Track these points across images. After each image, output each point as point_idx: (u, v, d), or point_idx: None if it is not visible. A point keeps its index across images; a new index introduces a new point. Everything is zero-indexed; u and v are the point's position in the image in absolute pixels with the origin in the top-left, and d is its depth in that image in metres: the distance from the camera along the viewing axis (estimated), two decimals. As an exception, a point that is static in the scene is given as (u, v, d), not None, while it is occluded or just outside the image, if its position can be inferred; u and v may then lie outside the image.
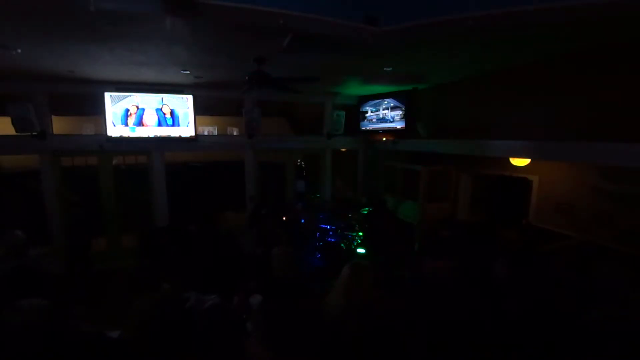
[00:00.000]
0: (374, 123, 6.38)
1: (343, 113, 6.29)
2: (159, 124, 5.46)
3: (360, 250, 5.57)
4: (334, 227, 5.79)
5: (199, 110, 5.73)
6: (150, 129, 5.44)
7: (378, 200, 6.05)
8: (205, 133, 6.24)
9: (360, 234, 5.81)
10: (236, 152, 6.46)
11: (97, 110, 5.19)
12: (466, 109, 5.02)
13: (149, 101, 5.36)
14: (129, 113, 5.27)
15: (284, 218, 5.60)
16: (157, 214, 5.91)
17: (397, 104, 5.89)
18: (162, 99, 5.41)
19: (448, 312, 1.93)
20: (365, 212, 6.02)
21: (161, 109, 5.43)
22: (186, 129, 5.64)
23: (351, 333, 1.72)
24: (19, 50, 3.28)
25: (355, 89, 6.00)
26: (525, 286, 2.11)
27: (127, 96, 5.23)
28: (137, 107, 5.30)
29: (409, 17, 2.70)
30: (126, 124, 5.28)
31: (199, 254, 4.22)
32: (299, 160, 7.73)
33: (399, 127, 5.91)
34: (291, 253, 2.72)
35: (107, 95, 5.10)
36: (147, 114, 5.37)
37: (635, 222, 3.32)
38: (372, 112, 6.38)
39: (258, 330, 1.44)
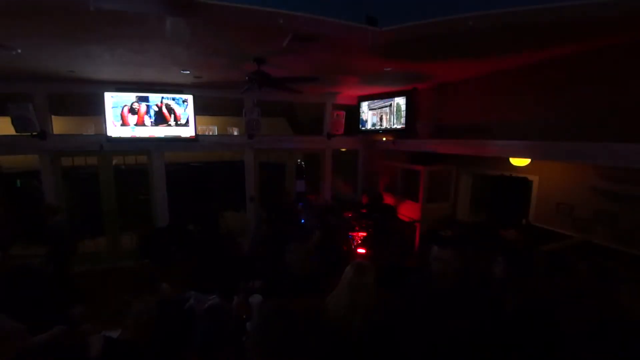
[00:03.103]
0: (373, 123, 6.38)
1: (343, 113, 6.29)
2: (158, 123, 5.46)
3: (361, 250, 5.56)
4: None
5: (199, 110, 5.74)
6: (151, 129, 5.44)
7: (379, 199, 5.95)
8: (206, 132, 6.23)
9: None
10: (236, 152, 6.47)
11: (97, 110, 5.19)
12: (466, 109, 5.02)
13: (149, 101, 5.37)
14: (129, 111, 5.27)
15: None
16: (157, 214, 5.91)
17: (397, 103, 5.89)
18: (162, 98, 5.42)
19: (450, 312, 1.93)
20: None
21: (160, 110, 5.44)
22: (186, 129, 5.64)
23: (357, 333, 1.72)
24: (19, 50, 3.27)
25: (355, 89, 6.00)
26: (525, 285, 2.11)
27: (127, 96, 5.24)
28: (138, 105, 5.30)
29: (408, 17, 2.70)
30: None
31: (199, 254, 4.22)
32: (299, 160, 7.74)
33: (399, 127, 5.91)
34: (307, 249, 2.72)
35: (107, 95, 5.10)
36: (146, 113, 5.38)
37: (635, 222, 3.32)
38: (371, 112, 6.38)
39: (256, 331, 1.44)
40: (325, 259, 4.32)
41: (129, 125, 5.30)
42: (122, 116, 5.24)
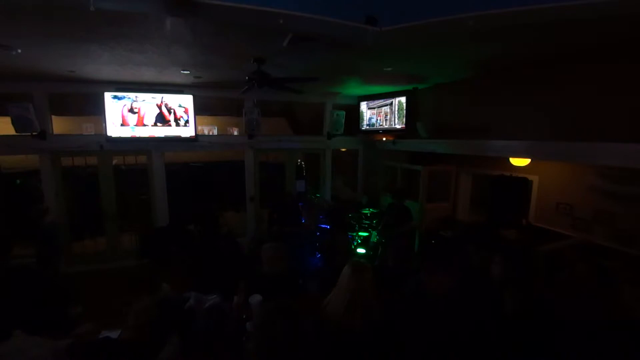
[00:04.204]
0: (373, 123, 6.38)
1: (343, 113, 6.29)
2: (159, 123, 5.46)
3: (360, 250, 5.57)
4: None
5: (199, 110, 5.74)
6: (150, 129, 5.44)
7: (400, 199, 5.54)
8: (206, 132, 6.23)
9: (364, 234, 5.79)
10: (236, 152, 6.47)
11: (97, 110, 5.20)
12: (466, 109, 5.02)
13: (149, 101, 5.37)
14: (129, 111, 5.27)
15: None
16: (157, 214, 5.91)
17: (397, 103, 5.89)
18: (162, 98, 5.42)
19: (450, 312, 1.93)
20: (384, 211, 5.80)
21: (160, 110, 5.44)
22: (186, 129, 5.64)
23: (356, 332, 1.72)
24: (19, 50, 3.27)
25: (355, 89, 6.00)
26: (525, 285, 2.11)
27: (127, 96, 5.24)
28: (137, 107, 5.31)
29: (409, 17, 2.70)
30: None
31: (199, 254, 4.22)
32: (299, 160, 7.73)
33: (399, 127, 5.91)
34: (280, 247, 2.73)
35: (107, 95, 5.10)
36: (146, 114, 5.38)
37: (635, 222, 3.32)
38: (371, 112, 6.38)
39: (256, 331, 1.44)
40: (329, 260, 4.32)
41: (128, 125, 5.30)
42: (122, 116, 5.24)
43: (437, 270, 2.05)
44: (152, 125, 5.43)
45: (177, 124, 5.57)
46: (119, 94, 5.18)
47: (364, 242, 5.74)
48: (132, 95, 5.25)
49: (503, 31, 2.75)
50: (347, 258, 3.27)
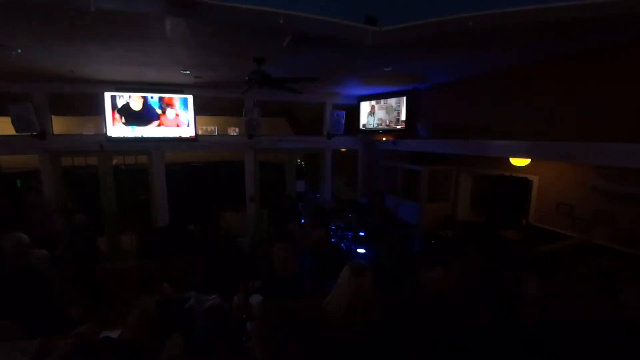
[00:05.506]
0: (374, 123, 6.38)
1: (343, 113, 6.29)
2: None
3: (361, 250, 5.57)
4: (333, 227, 5.78)
5: (199, 110, 5.74)
6: (150, 129, 5.44)
7: (376, 194, 5.82)
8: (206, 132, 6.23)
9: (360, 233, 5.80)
10: (236, 152, 6.47)
11: (97, 110, 5.20)
12: (466, 109, 5.02)
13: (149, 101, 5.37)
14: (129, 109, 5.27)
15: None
16: (157, 214, 5.91)
17: (397, 104, 5.89)
18: (162, 98, 5.42)
19: (450, 312, 1.93)
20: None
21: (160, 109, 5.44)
22: (186, 129, 5.64)
23: (357, 333, 1.72)
24: (19, 50, 3.27)
25: (355, 89, 6.00)
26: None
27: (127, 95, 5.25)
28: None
29: (408, 17, 2.71)
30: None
31: (199, 254, 4.22)
32: (299, 160, 7.74)
33: (399, 127, 5.91)
34: (291, 249, 2.72)
35: (107, 95, 5.10)
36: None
37: (635, 222, 3.32)
38: (371, 112, 6.38)
39: (257, 331, 1.44)
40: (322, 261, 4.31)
41: (129, 125, 5.30)
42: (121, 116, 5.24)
43: (436, 271, 2.04)
44: (152, 125, 5.43)
45: (177, 124, 5.57)
46: (119, 94, 5.17)
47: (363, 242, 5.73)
48: (132, 95, 5.24)
49: (503, 31, 2.75)
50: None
